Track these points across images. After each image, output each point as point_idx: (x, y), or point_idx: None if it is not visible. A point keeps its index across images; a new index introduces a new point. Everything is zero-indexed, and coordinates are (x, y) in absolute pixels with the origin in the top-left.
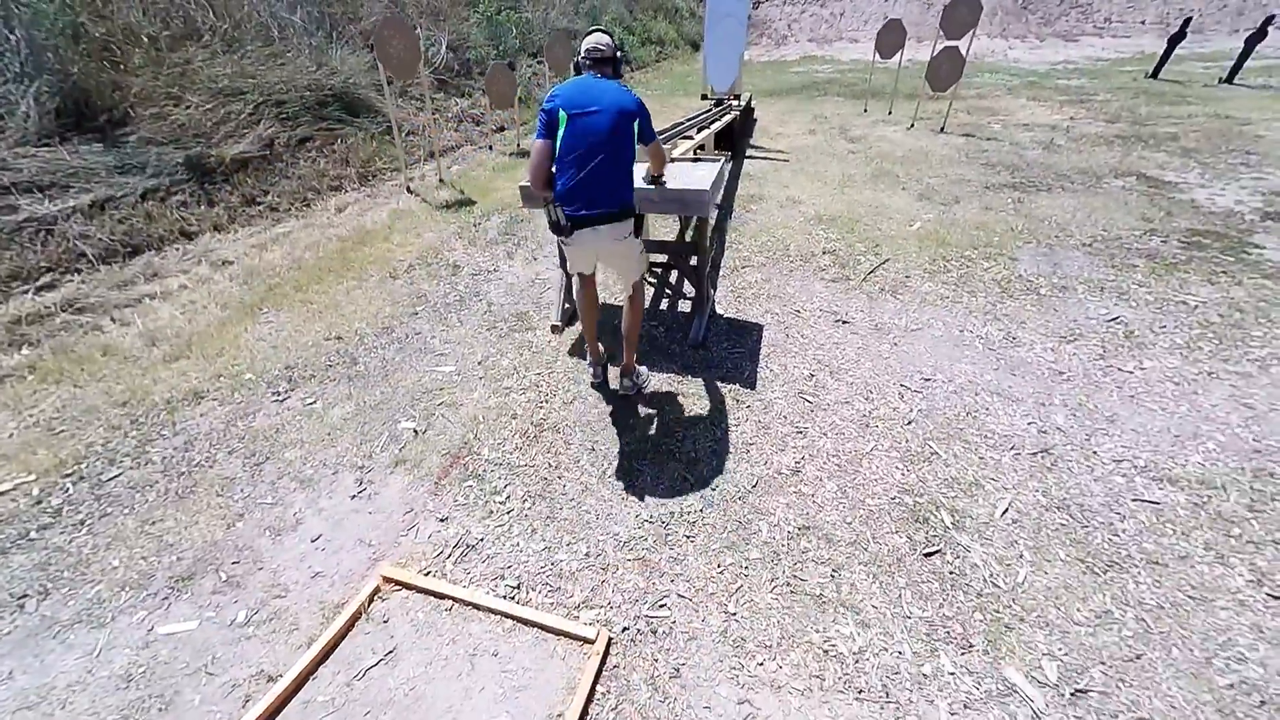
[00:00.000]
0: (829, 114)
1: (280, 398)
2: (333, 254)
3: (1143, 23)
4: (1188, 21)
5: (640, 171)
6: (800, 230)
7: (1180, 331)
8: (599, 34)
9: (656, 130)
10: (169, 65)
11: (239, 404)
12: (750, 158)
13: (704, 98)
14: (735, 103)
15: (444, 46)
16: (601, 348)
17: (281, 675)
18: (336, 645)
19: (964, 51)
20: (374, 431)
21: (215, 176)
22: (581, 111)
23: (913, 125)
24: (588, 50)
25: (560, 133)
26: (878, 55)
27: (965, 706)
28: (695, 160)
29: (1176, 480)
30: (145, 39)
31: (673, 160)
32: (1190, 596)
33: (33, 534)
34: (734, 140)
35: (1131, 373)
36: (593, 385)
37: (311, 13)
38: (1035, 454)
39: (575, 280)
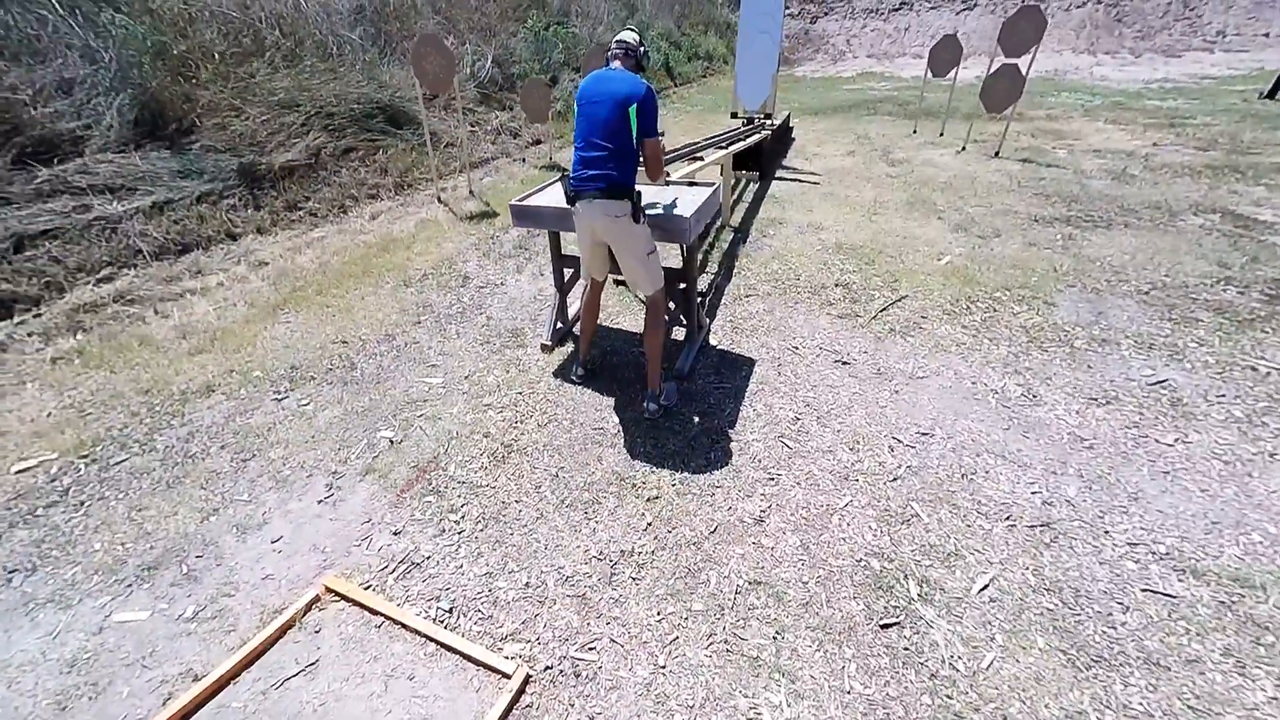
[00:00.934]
0: (874, 134)
1: (279, 397)
2: (356, 260)
3: (1266, 35)
4: None
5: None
6: (815, 259)
7: (1242, 402)
8: (628, 31)
9: (675, 147)
10: (234, 79)
11: (242, 400)
12: (780, 179)
13: (733, 115)
14: (767, 122)
15: (490, 61)
16: (593, 352)
17: (204, 676)
18: (265, 651)
19: (1024, 70)
20: (354, 438)
21: (264, 183)
22: (589, 101)
23: (964, 148)
24: (616, 42)
25: (576, 118)
26: (930, 73)
27: None
28: (690, 184)
29: (1203, 574)
30: (216, 55)
31: (669, 182)
32: (1190, 707)
33: (39, 511)
34: (762, 161)
35: (1171, 445)
36: (575, 377)
37: (368, 30)
38: (1034, 527)
39: (586, 286)
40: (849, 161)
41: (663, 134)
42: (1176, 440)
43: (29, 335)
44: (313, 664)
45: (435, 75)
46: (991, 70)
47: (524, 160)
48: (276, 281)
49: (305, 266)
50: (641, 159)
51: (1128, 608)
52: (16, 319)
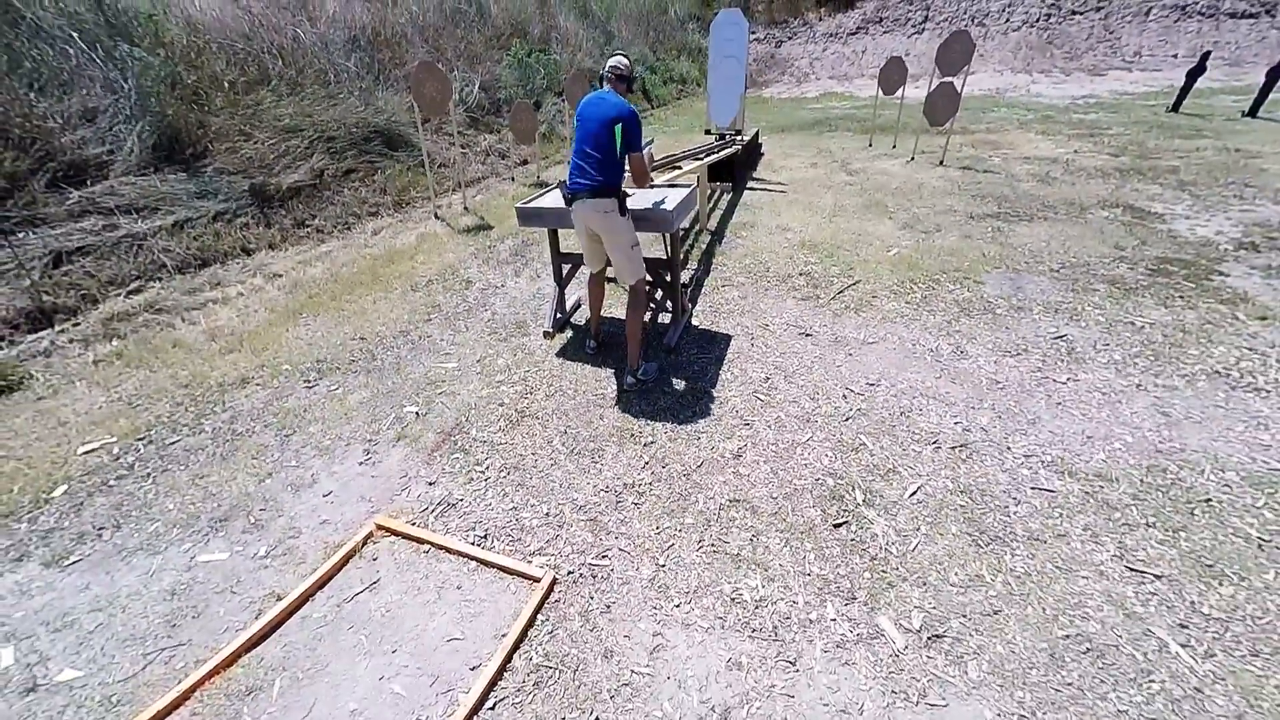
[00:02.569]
0: (834, 148)
1: (310, 385)
2: (365, 270)
3: (1175, 56)
4: (1206, 55)
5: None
6: (783, 255)
7: (1120, 349)
8: (619, 56)
9: (659, 158)
10: (243, 107)
11: (276, 389)
12: (750, 189)
13: (707, 133)
14: (738, 138)
15: (477, 87)
16: (600, 333)
17: (286, 595)
18: (333, 576)
19: (959, 87)
20: (383, 413)
21: (273, 202)
22: (583, 118)
23: (912, 158)
24: (609, 68)
25: (575, 130)
26: (881, 92)
27: (838, 646)
28: (671, 186)
29: (1076, 473)
30: (226, 84)
31: (653, 186)
32: (1057, 567)
33: (111, 482)
34: (735, 173)
35: (1064, 384)
36: (588, 350)
37: (363, 59)
38: (954, 448)
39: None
40: (812, 172)
41: (651, 142)
42: (1068, 380)
43: (70, 342)
44: (375, 583)
45: (433, 100)
46: (931, 88)
47: (513, 179)
48: (292, 290)
49: (317, 277)
50: (628, 169)
51: (1019, 501)
52: (58, 327)
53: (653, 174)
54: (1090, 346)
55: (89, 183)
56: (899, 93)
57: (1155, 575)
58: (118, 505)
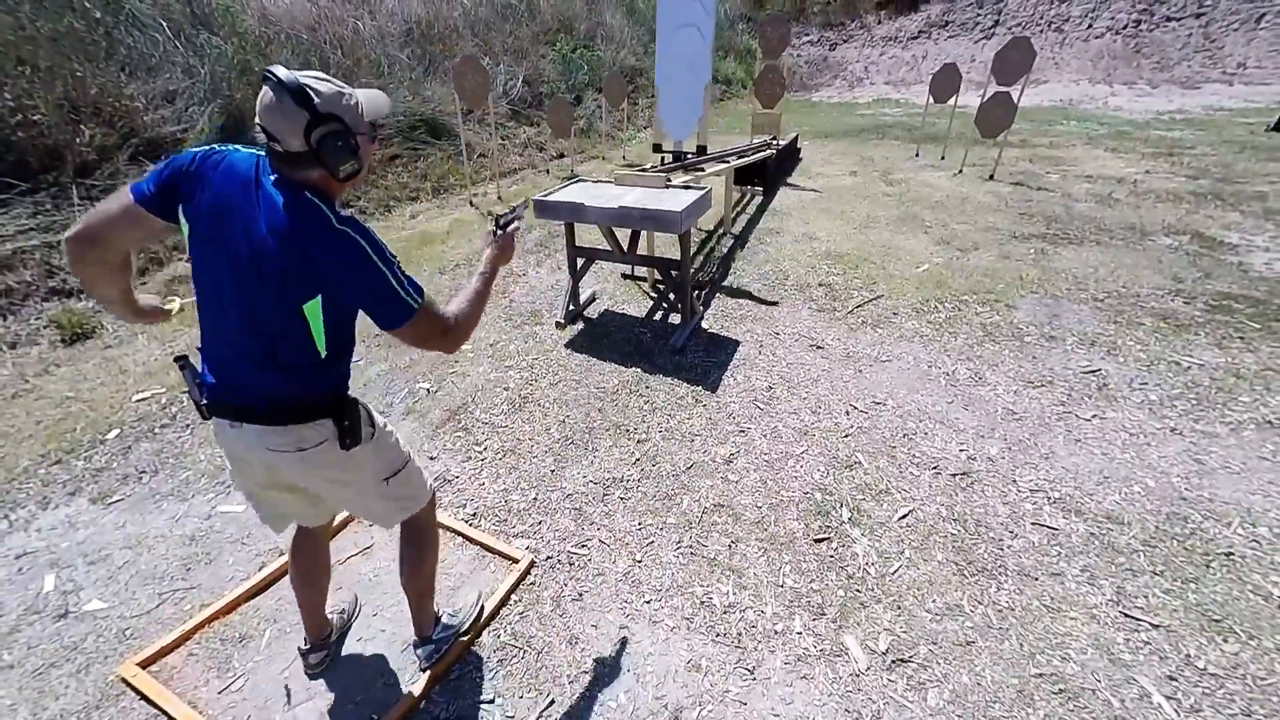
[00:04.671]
0: (878, 157)
1: None
2: (399, 251)
3: None
4: None
5: (635, 195)
6: (805, 264)
7: (1159, 389)
8: (307, 75)
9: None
10: None
11: None
12: (782, 194)
13: (656, 149)
14: (773, 141)
15: (520, 80)
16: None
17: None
18: (332, 537)
19: (1015, 97)
20: (397, 387)
21: None
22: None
23: (960, 171)
24: (265, 111)
25: None
26: (931, 99)
27: (799, 659)
28: (686, 188)
29: (1084, 513)
30: None
31: (670, 185)
32: (1045, 605)
33: (156, 430)
34: (766, 177)
35: (1089, 420)
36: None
37: (415, 50)
38: (955, 475)
39: None
40: (850, 180)
41: (518, 216)
42: (1094, 416)
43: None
44: (368, 548)
45: (472, 92)
46: (986, 97)
47: (548, 172)
48: None
49: None
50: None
51: (1016, 535)
52: None
53: (670, 176)
54: (1125, 384)
55: (163, 158)
56: (951, 101)
57: (1152, 624)
58: (158, 452)
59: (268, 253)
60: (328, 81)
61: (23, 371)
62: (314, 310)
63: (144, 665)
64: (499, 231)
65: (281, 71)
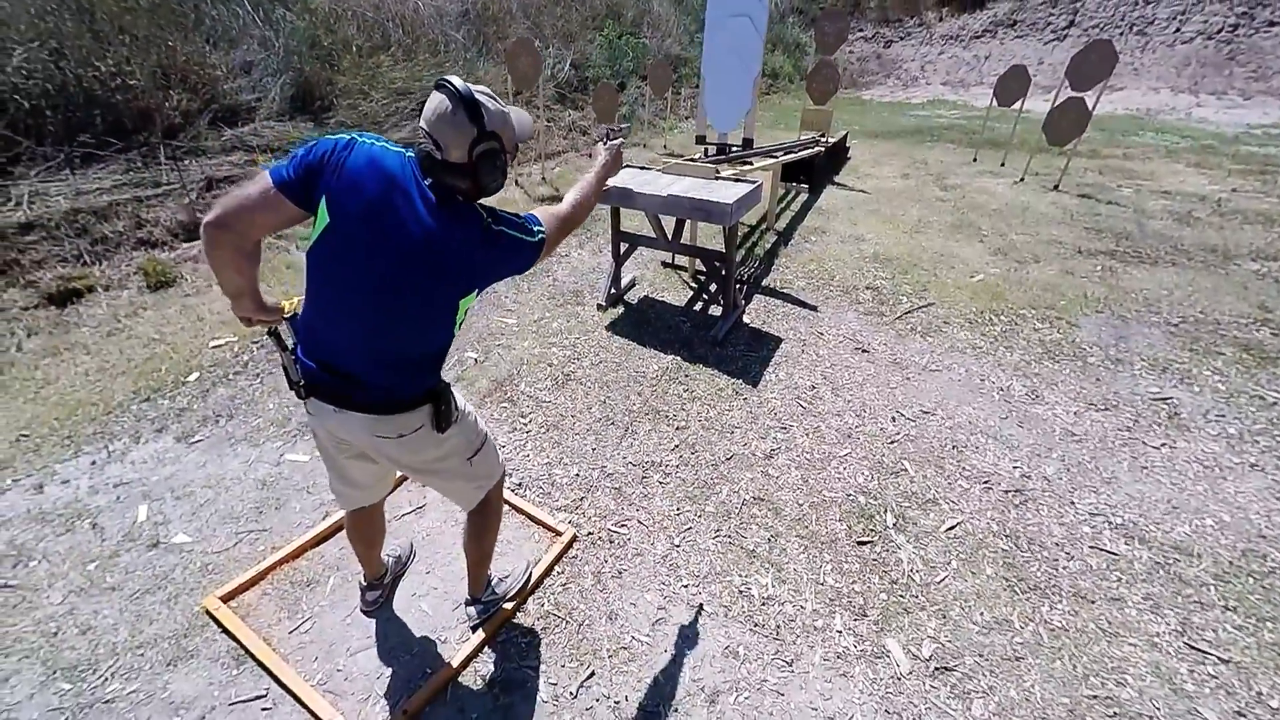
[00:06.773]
0: (932, 160)
1: None
2: None
3: None
4: None
5: (685, 184)
6: (852, 265)
7: (1238, 423)
8: (473, 88)
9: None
10: (365, 68)
11: None
12: (829, 194)
13: (700, 140)
14: (822, 139)
15: (568, 64)
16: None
17: None
18: (389, 493)
19: (1090, 104)
20: (448, 353)
21: None
22: (351, 238)
23: (1022, 179)
24: (435, 117)
25: None
26: (995, 102)
27: (838, 657)
28: (737, 180)
29: (1149, 541)
30: (354, 48)
31: (720, 176)
32: (1101, 629)
33: (230, 376)
34: (814, 176)
35: (1157, 449)
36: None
37: (470, 31)
38: (1008, 492)
39: None
40: (901, 183)
41: (625, 129)
42: (1163, 445)
43: None
44: (421, 506)
45: (524, 73)
46: (1057, 103)
47: (590, 156)
48: None
49: None
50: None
51: (1072, 557)
52: (198, 241)
53: (721, 168)
54: (1200, 414)
55: (239, 124)
56: (1017, 105)
57: (1221, 659)
58: (233, 397)
59: (436, 255)
60: (494, 100)
61: (116, 313)
62: (467, 302)
63: (225, 600)
64: (609, 143)
65: (458, 82)
